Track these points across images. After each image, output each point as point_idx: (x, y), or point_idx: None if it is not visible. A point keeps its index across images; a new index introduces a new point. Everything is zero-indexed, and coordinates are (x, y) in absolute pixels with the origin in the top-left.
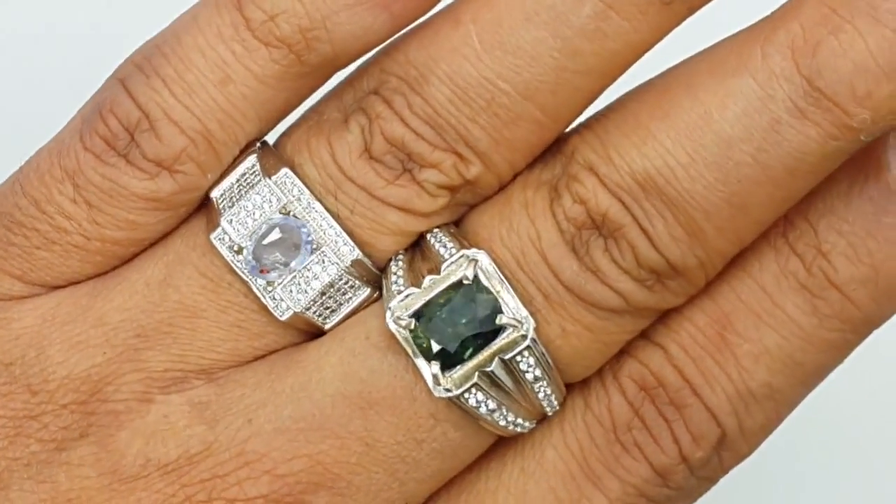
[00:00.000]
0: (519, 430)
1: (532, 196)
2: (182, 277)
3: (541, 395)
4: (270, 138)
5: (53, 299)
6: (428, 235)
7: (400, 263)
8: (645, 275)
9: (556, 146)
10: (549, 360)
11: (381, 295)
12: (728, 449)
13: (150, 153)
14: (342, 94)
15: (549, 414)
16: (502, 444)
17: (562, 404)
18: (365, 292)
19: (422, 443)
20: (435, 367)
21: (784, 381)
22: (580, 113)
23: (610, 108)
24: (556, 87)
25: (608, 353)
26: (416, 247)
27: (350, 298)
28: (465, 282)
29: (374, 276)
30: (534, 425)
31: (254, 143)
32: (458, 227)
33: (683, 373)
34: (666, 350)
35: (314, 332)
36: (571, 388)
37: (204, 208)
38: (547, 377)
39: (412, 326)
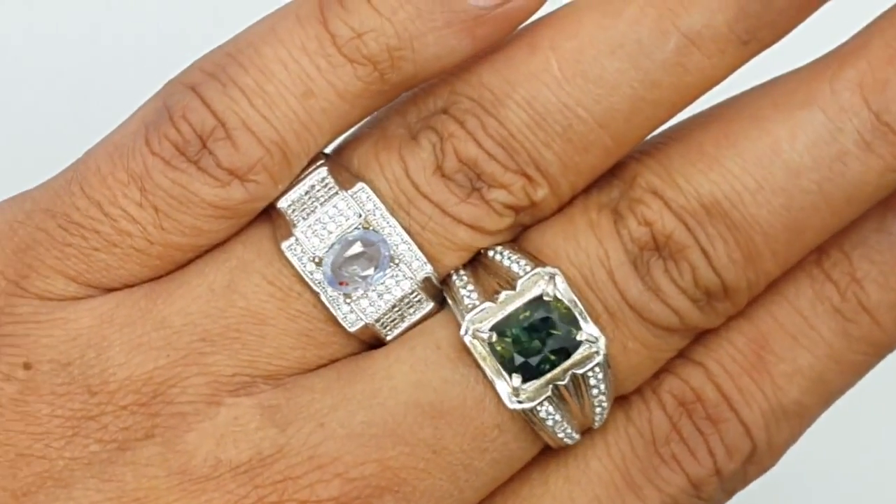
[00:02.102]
0: (568, 441)
1: (597, 217)
2: (248, 284)
3: (598, 410)
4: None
5: (110, 301)
6: (491, 252)
7: (464, 278)
8: (699, 295)
9: (611, 171)
10: (611, 376)
11: (439, 308)
12: (755, 463)
13: (225, 161)
14: (405, 112)
15: (596, 426)
16: (543, 454)
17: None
18: (428, 306)
19: (485, 452)
20: (516, 379)
21: (812, 400)
22: (642, 139)
23: (669, 137)
24: (631, 115)
25: (654, 368)
26: (476, 262)
27: (415, 312)
28: (546, 298)
29: (437, 291)
30: (579, 436)
31: (319, 156)
32: (518, 245)
33: (722, 389)
34: (706, 368)
35: (375, 344)
36: (613, 402)
37: (265, 215)
38: (608, 392)
39: (492, 339)
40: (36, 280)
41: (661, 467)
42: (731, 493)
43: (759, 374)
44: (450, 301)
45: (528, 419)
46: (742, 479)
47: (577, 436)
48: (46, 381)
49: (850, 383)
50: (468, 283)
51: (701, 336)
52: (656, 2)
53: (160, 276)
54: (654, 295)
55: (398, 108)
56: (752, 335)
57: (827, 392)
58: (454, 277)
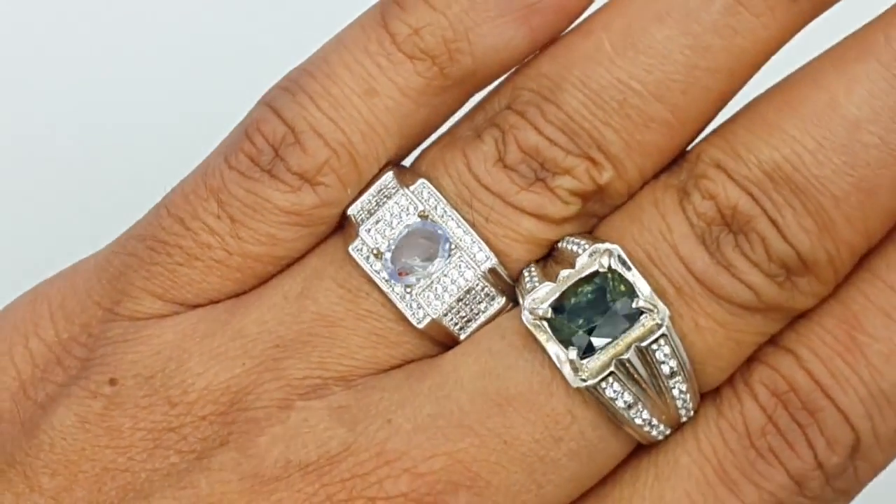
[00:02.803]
0: (654, 433)
1: (661, 195)
2: (320, 290)
3: (675, 393)
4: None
5: (193, 316)
6: (560, 244)
7: (533, 271)
8: (775, 269)
9: (681, 157)
10: (684, 354)
11: (515, 305)
12: (863, 458)
13: (294, 165)
14: (474, 116)
15: (684, 419)
16: (636, 455)
17: (696, 411)
18: (500, 302)
19: (559, 441)
20: (573, 352)
21: None
22: (709, 119)
23: (736, 115)
24: (687, 85)
25: (740, 354)
26: (549, 257)
27: (485, 308)
28: (601, 269)
29: (508, 286)
30: (669, 432)
31: (389, 165)
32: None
33: (813, 375)
34: (796, 354)
35: (449, 344)
36: (703, 397)
37: (341, 229)
38: (682, 372)
39: (549, 315)
40: (127, 303)
41: (757, 461)
42: (845, 495)
43: (852, 356)
44: (519, 293)
45: (598, 401)
46: (854, 477)
47: (663, 428)
48: (130, 394)
49: None
50: (534, 275)
51: (794, 322)
52: None
53: (243, 292)
54: (725, 269)
55: (468, 114)
56: (842, 316)
57: None
58: (524, 271)
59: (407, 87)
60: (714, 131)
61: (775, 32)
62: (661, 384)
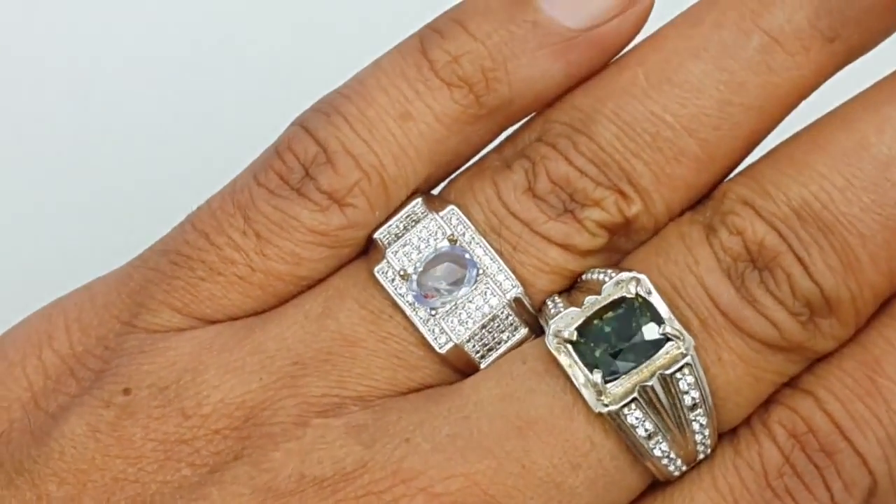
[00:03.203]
0: (672, 467)
1: (687, 230)
2: (342, 310)
3: (696, 427)
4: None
5: (211, 331)
6: (584, 275)
7: (558, 301)
8: (799, 307)
9: (706, 197)
10: (706, 387)
11: (537, 336)
12: (878, 501)
13: (325, 185)
14: (503, 149)
15: (701, 456)
16: (651, 491)
17: (713, 449)
18: (522, 332)
19: (577, 468)
20: (597, 375)
21: None
22: (738, 158)
23: (763, 157)
24: (719, 121)
25: (759, 392)
26: (573, 288)
27: (507, 338)
28: (628, 296)
29: (531, 317)
30: (685, 468)
31: (418, 192)
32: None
33: (833, 417)
34: (815, 396)
35: (469, 372)
36: (720, 437)
37: (365, 254)
38: (704, 405)
39: (574, 338)
40: (145, 315)
41: (773, 502)
42: None
43: (872, 399)
44: (543, 323)
45: (618, 429)
46: None
47: (680, 463)
48: (143, 404)
49: None
50: (558, 305)
51: (813, 365)
52: (737, 3)
53: (262, 311)
54: (749, 304)
55: (498, 147)
56: (862, 359)
57: None
58: (548, 302)
59: (442, 114)
60: (741, 171)
61: (809, 73)
62: (682, 416)
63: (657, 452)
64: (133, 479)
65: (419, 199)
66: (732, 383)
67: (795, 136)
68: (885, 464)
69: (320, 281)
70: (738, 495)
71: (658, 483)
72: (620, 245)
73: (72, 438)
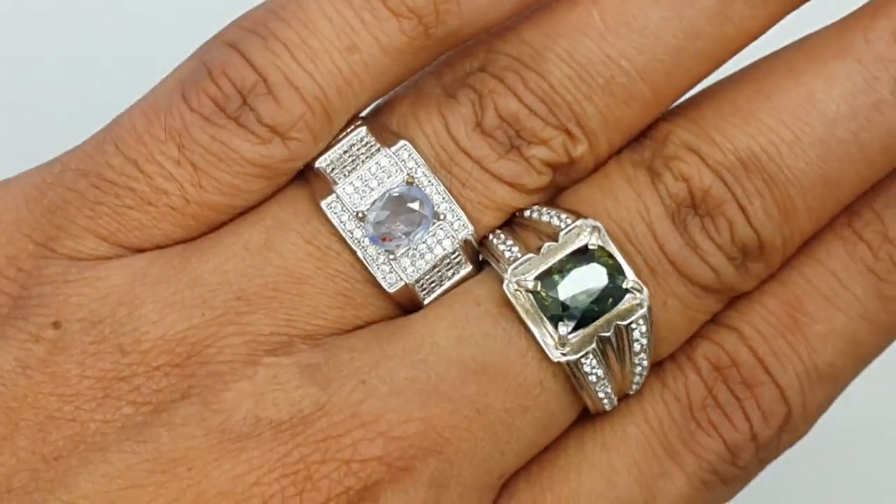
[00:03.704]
0: (607, 404)
1: (633, 173)
2: (285, 243)
3: (637, 370)
4: None
5: (142, 259)
6: (528, 212)
7: (502, 237)
8: (735, 252)
9: (644, 131)
10: (651, 333)
11: (477, 271)
12: (789, 430)
13: (267, 118)
14: (441, 74)
15: (632, 391)
16: (578, 424)
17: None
18: (466, 269)
19: (526, 411)
20: (563, 328)
21: (846, 362)
22: (680, 97)
23: (700, 96)
24: (672, 68)
25: (690, 331)
26: (511, 223)
27: (451, 274)
28: (591, 247)
29: (475, 253)
30: (616, 402)
31: (356, 117)
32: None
33: (757, 352)
34: (739, 332)
35: (411, 307)
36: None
37: (301, 177)
38: (648, 350)
39: (537, 288)
40: (65, 240)
41: (697, 432)
42: (764, 463)
43: (793, 336)
44: (489, 259)
45: (570, 375)
46: (776, 447)
47: (615, 400)
48: (76, 340)
49: (883, 345)
50: (507, 240)
51: (733, 301)
52: None
53: (191, 238)
54: (692, 250)
55: (432, 70)
56: (785, 298)
57: (861, 354)
58: (491, 237)
59: (389, 46)
60: (679, 112)
61: (762, 22)
62: (627, 359)
63: (601, 395)
64: (70, 418)
65: (364, 129)
66: (672, 325)
67: (736, 81)
68: (800, 396)
69: (255, 207)
70: (667, 428)
71: (586, 412)
72: (560, 182)
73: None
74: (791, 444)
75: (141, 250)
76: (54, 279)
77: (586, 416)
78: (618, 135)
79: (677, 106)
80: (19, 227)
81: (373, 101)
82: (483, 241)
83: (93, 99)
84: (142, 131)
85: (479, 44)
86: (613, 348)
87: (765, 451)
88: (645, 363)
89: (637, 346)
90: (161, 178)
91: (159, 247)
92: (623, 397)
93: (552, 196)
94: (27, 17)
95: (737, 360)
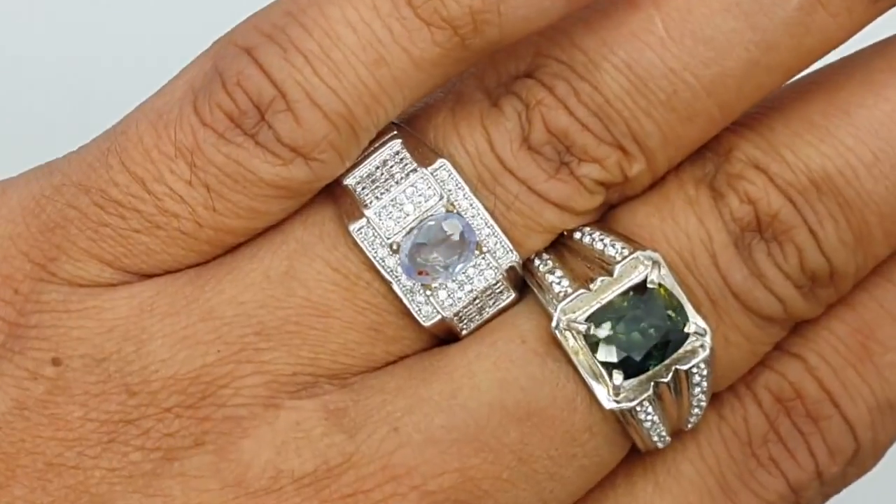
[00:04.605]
0: (659, 444)
1: (694, 193)
2: (310, 271)
3: (695, 410)
4: None
5: (150, 287)
6: (578, 234)
7: (549, 263)
8: (804, 280)
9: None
10: (712, 373)
11: (519, 297)
12: (856, 464)
13: (286, 137)
14: (483, 75)
15: (687, 428)
16: (628, 458)
17: None
18: (510, 296)
19: (573, 458)
20: (617, 376)
21: None
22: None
23: (768, 107)
24: (743, 83)
25: (752, 363)
26: (559, 245)
27: (494, 303)
28: (650, 286)
29: (518, 278)
30: (669, 440)
31: (389, 128)
32: (607, 225)
33: (823, 383)
34: (805, 360)
35: (447, 338)
36: None
37: (327, 192)
38: (707, 389)
39: (588, 332)
40: (66, 263)
41: (758, 471)
42: (827, 497)
43: (864, 365)
44: (534, 289)
45: (622, 420)
46: (841, 481)
47: (668, 438)
48: (78, 378)
49: None
50: (555, 268)
51: (798, 326)
52: None
53: (207, 262)
54: (758, 281)
55: (476, 72)
56: (855, 324)
57: None
58: (537, 262)
59: (421, 59)
60: (745, 122)
61: (844, 34)
62: (685, 401)
63: (655, 438)
64: (72, 465)
65: (398, 142)
66: (733, 362)
67: (807, 91)
68: (871, 431)
69: (276, 226)
70: (725, 465)
71: (635, 447)
72: (611, 199)
73: None
74: (857, 478)
75: (150, 276)
76: (54, 307)
77: (636, 450)
78: (679, 152)
79: (746, 117)
80: (15, 242)
81: (405, 111)
82: (527, 265)
83: (96, 94)
84: (150, 146)
85: (526, 43)
86: (671, 391)
87: (829, 486)
88: (703, 403)
89: (697, 390)
90: (170, 200)
91: (170, 272)
92: (677, 432)
93: (603, 214)
94: (28, 15)
95: (801, 392)
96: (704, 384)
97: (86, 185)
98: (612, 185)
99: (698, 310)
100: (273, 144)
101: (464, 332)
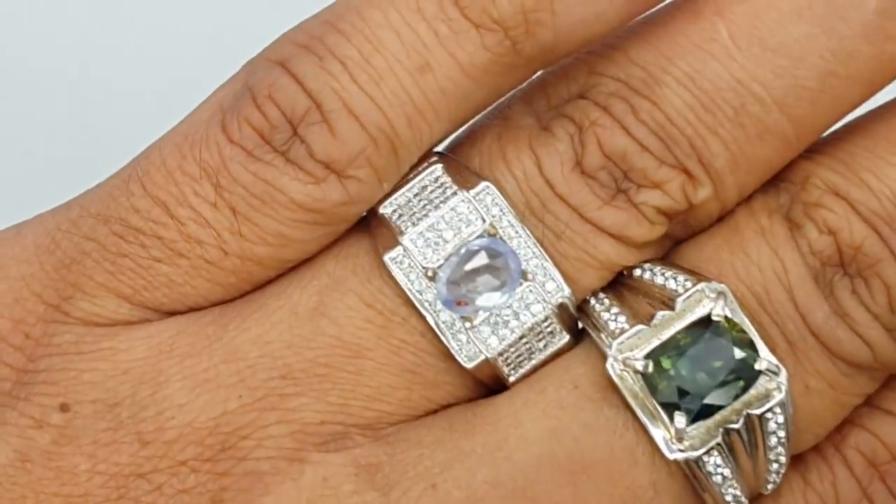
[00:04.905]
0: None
1: (768, 224)
2: (341, 307)
3: (773, 466)
4: None
5: (171, 326)
6: (638, 271)
7: (606, 302)
8: (895, 322)
9: (779, 172)
10: (791, 422)
11: (575, 343)
12: None
13: (320, 151)
14: (532, 99)
15: (766, 492)
16: None
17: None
18: (562, 340)
19: None
20: (680, 419)
21: None
22: (825, 131)
23: (845, 130)
24: (818, 95)
25: (839, 418)
26: (618, 285)
27: (545, 346)
28: (716, 318)
29: (572, 320)
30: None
31: (430, 151)
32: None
33: None
34: None
35: (494, 387)
36: None
37: (363, 226)
38: (787, 444)
39: (647, 370)
40: (81, 301)
41: None
42: None
43: None
44: (589, 330)
45: (690, 475)
46: None
47: (745, 501)
48: (88, 426)
49: None
50: (612, 305)
51: (892, 379)
52: None
53: (232, 299)
54: (842, 321)
55: (522, 95)
56: None
57: None
58: (593, 302)
59: (470, 65)
60: (821, 148)
61: None
62: (761, 454)
63: (728, 497)
64: None
65: (439, 167)
66: (816, 413)
67: (891, 111)
68: None
69: (308, 260)
70: None
71: None
72: (676, 233)
73: None
74: None
75: (172, 313)
76: (65, 350)
77: None
78: (749, 177)
79: (818, 141)
80: (28, 284)
81: (450, 133)
82: (582, 307)
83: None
84: (173, 168)
85: (578, 63)
86: (744, 441)
87: None
88: (783, 459)
89: (773, 440)
90: (194, 225)
91: (194, 309)
92: (756, 497)
93: (667, 251)
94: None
95: None
96: (782, 434)
97: (105, 215)
98: (674, 213)
99: (773, 351)
100: (305, 161)
101: (511, 379)
